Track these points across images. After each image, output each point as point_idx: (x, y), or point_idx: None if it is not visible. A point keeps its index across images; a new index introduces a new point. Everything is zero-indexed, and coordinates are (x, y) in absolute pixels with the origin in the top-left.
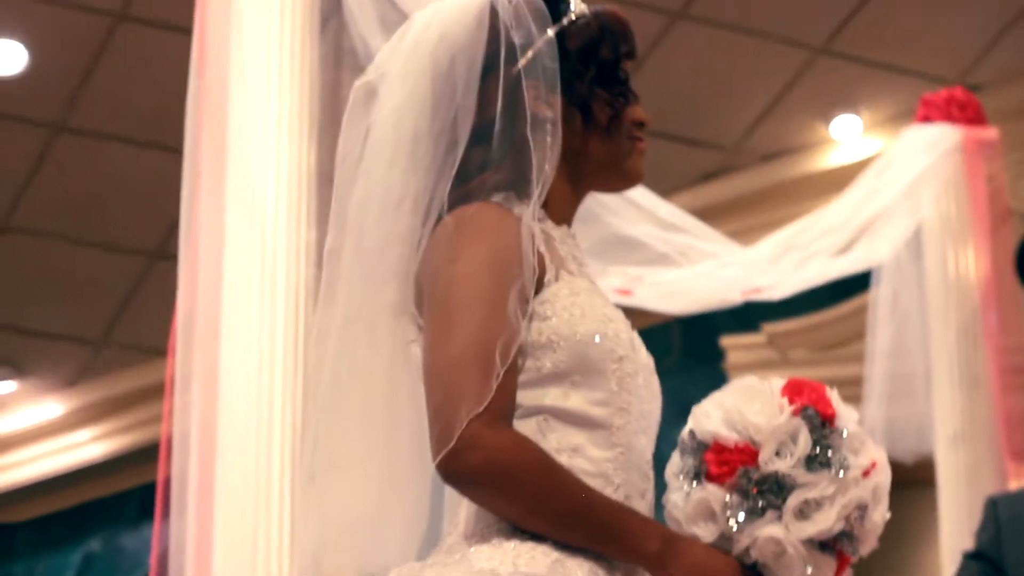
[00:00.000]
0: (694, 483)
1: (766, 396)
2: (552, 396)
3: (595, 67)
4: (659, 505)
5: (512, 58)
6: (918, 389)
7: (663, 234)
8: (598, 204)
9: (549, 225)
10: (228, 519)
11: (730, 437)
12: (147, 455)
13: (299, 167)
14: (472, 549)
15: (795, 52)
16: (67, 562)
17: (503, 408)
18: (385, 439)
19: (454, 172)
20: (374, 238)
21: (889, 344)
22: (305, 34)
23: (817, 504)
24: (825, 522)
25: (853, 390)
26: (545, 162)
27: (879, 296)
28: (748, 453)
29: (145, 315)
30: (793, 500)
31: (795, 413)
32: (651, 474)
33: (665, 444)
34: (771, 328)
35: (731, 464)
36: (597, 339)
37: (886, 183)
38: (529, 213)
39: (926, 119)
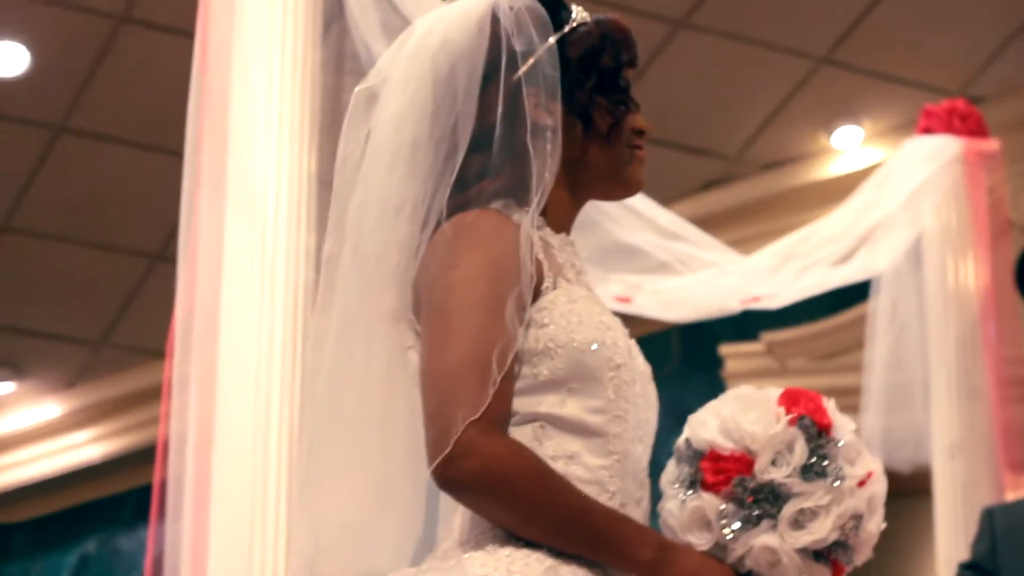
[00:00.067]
0: (689, 491)
1: (762, 405)
2: (549, 403)
3: (596, 75)
4: (654, 513)
5: (513, 65)
6: (916, 399)
7: (663, 242)
8: (598, 211)
9: (548, 233)
10: (224, 522)
11: (726, 446)
12: (145, 457)
13: (299, 171)
14: (467, 555)
15: (797, 62)
16: (63, 563)
17: (499, 415)
18: (381, 444)
19: (453, 179)
20: (372, 244)
21: (888, 354)
22: (307, 38)
23: (812, 513)
24: (820, 531)
25: (851, 400)
26: (545, 170)
27: (878, 306)
28: (744, 462)
29: (144, 317)
30: (788, 509)
31: (791, 423)
32: (647, 482)
33: (662, 452)
34: (770, 337)
35: (727, 473)
36: (594, 347)
37: (887, 193)
38: (528, 220)
39: (927, 130)
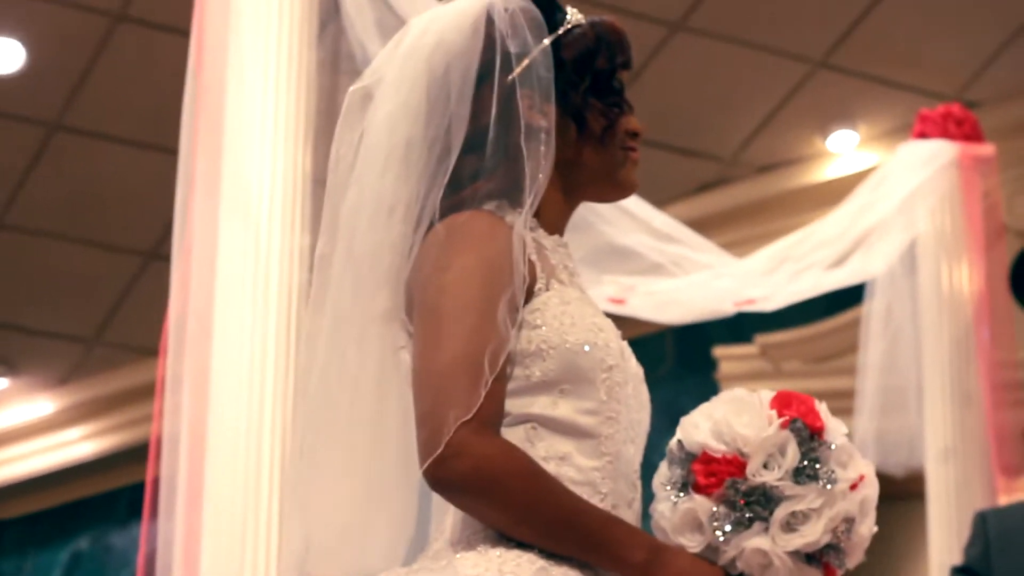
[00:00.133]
0: (681, 493)
1: (755, 408)
2: (541, 404)
3: (590, 77)
4: (646, 515)
5: (507, 67)
6: (910, 403)
7: (657, 244)
8: (593, 213)
9: (541, 234)
10: (216, 520)
11: (718, 448)
12: (138, 455)
13: (294, 171)
14: (458, 556)
15: (793, 65)
16: (55, 560)
17: (491, 416)
18: (373, 445)
19: (447, 180)
20: (365, 244)
21: (882, 357)
22: (303, 38)
23: (804, 516)
24: (812, 534)
25: (845, 403)
26: (538, 171)
27: (872, 309)
28: (736, 464)
29: (138, 315)
30: (780, 512)
31: (783, 425)
32: (638, 483)
33: (656, 454)
34: (764, 339)
35: (719, 475)
36: (587, 348)
37: (882, 197)
38: (521, 222)
39: (923, 134)
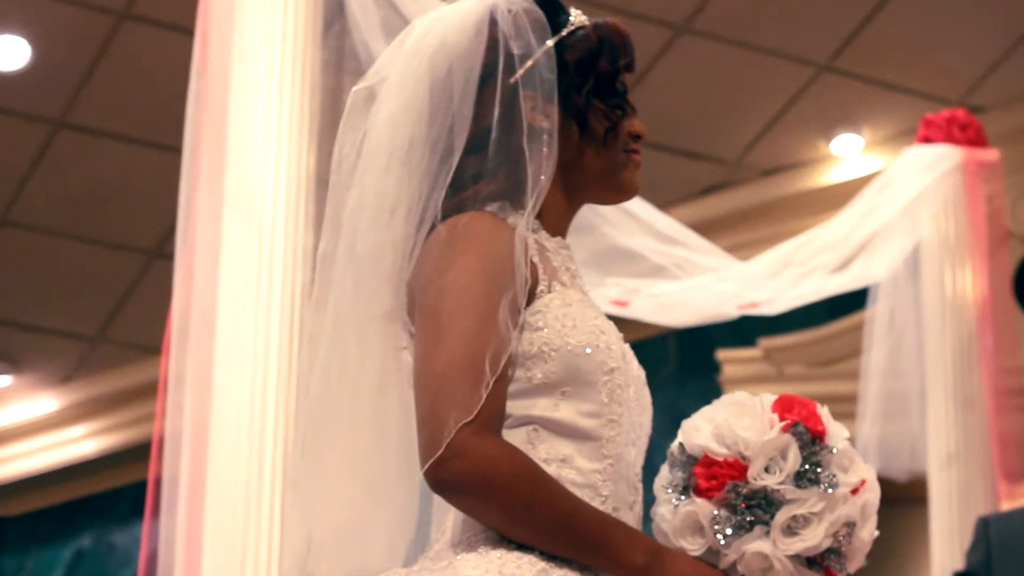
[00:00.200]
0: (682, 496)
1: (756, 411)
2: (542, 406)
3: (593, 79)
4: (647, 518)
5: (510, 68)
6: (913, 408)
7: (661, 247)
8: (596, 215)
9: (543, 236)
10: (218, 519)
11: (720, 451)
12: (140, 453)
13: (298, 171)
14: (458, 557)
15: (798, 68)
16: (57, 558)
17: (492, 417)
18: (373, 444)
19: (449, 180)
20: (367, 244)
21: (884, 362)
22: (307, 38)
23: (805, 520)
24: (813, 538)
25: (848, 407)
26: (540, 173)
27: (876, 314)
28: (737, 468)
29: (141, 313)
30: (781, 516)
31: (785, 429)
32: (640, 486)
33: (658, 456)
34: (767, 343)
35: (720, 478)
36: (588, 351)
37: (885, 201)
38: (523, 223)
39: (927, 139)
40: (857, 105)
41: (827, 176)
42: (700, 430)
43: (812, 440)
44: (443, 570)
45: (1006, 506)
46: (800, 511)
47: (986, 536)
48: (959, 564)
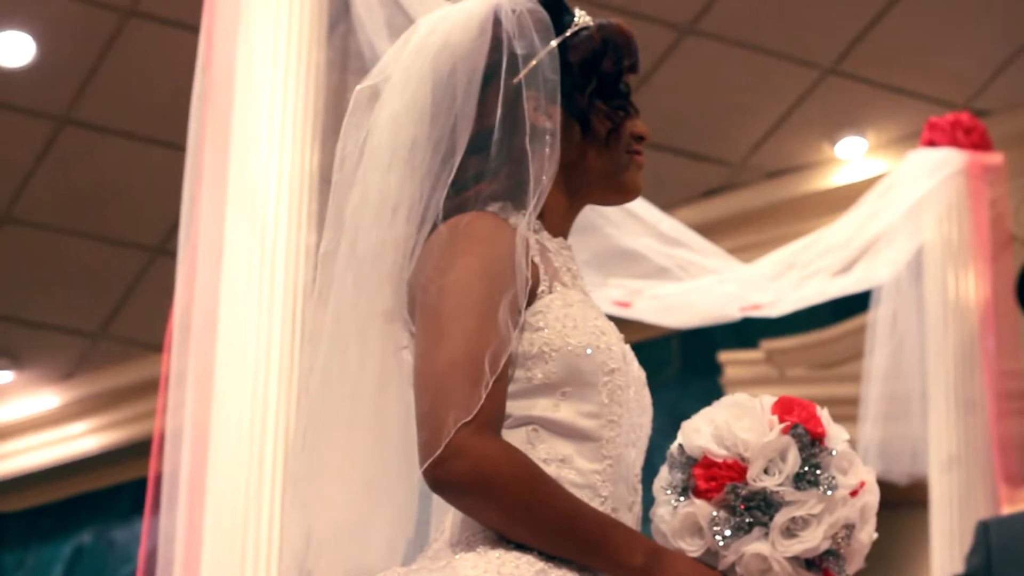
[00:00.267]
0: (682, 497)
1: (756, 413)
2: (542, 407)
3: (596, 80)
4: (646, 518)
5: (513, 68)
6: (914, 411)
7: (664, 248)
8: (599, 216)
9: (544, 236)
10: (218, 517)
11: (719, 453)
12: (141, 450)
13: (301, 169)
14: (457, 556)
15: (803, 71)
16: (58, 554)
17: (491, 417)
18: (373, 443)
19: (450, 180)
20: (368, 243)
21: (886, 365)
22: (312, 36)
23: (804, 522)
24: (812, 540)
25: (849, 409)
26: (543, 173)
27: (878, 317)
28: (736, 469)
29: (144, 310)
30: (780, 517)
31: (784, 431)
32: (639, 487)
33: (658, 457)
34: (769, 345)
35: (719, 480)
36: (589, 351)
37: (889, 204)
38: (524, 224)
39: (931, 142)
40: (861, 108)
41: (831, 179)
42: (700, 431)
43: (812, 442)
44: (442, 569)
45: (1007, 510)
46: (799, 513)
47: (986, 540)
48: (959, 568)
